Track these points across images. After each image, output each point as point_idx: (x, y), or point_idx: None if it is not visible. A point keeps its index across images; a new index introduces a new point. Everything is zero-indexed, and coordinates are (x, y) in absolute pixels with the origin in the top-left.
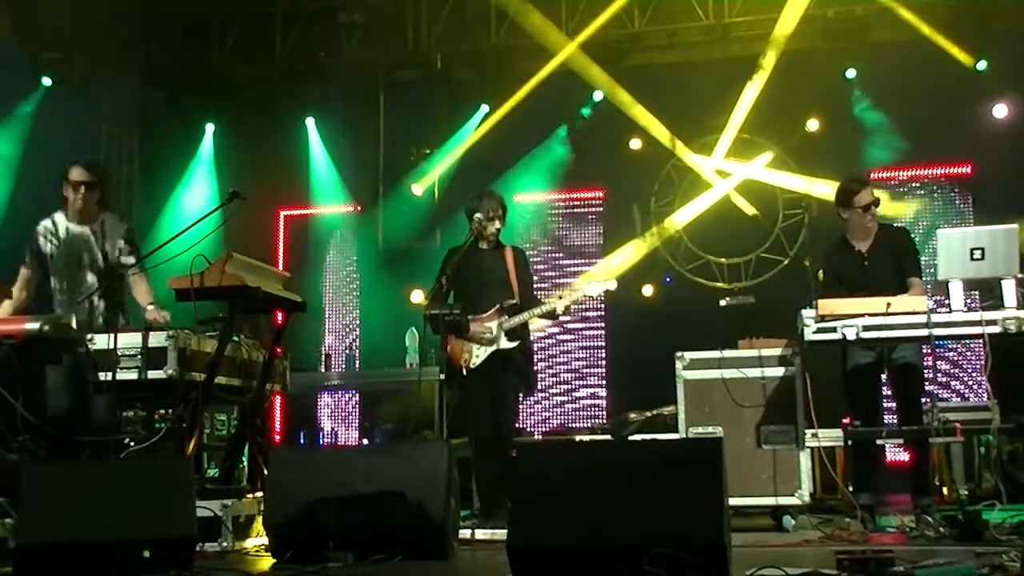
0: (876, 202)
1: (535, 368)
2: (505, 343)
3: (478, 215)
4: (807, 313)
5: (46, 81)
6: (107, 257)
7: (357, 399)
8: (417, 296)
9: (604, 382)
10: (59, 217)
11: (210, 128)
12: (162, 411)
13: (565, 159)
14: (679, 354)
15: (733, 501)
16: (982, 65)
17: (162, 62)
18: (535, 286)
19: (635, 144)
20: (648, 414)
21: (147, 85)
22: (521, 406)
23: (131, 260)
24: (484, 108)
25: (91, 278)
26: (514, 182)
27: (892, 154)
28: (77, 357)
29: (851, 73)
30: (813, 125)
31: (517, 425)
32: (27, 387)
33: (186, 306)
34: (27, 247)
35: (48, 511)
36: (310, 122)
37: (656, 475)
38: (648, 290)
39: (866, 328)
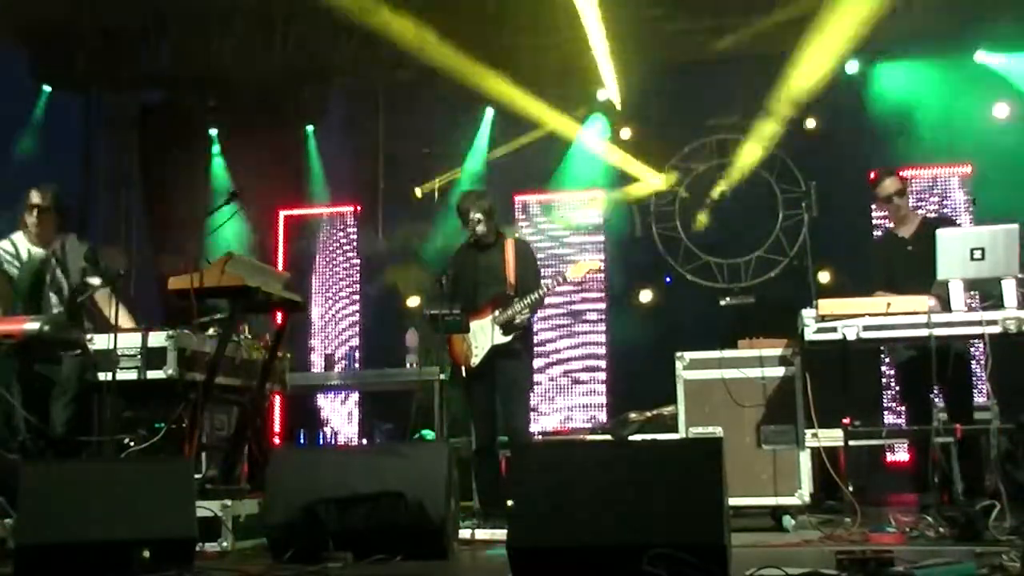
0: (900, 192)
1: (532, 362)
2: (500, 338)
3: (465, 215)
4: (807, 313)
5: (46, 88)
6: (69, 279)
7: (357, 399)
8: (414, 300)
9: (604, 382)
10: (18, 238)
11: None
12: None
13: (565, 159)
14: (679, 354)
15: (733, 501)
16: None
17: (162, 62)
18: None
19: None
20: (648, 414)
21: (147, 85)
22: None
23: (97, 281)
24: (486, 108)
25: (54, 299)
26: (514, 181)
27: (892, 153)
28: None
29: (851, 68)
30: (812, 125)
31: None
32: (27, 387)
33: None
34: None
35: (48, 511)
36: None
37: (656, 475)
38: (647, 295)
39: (866, 328)
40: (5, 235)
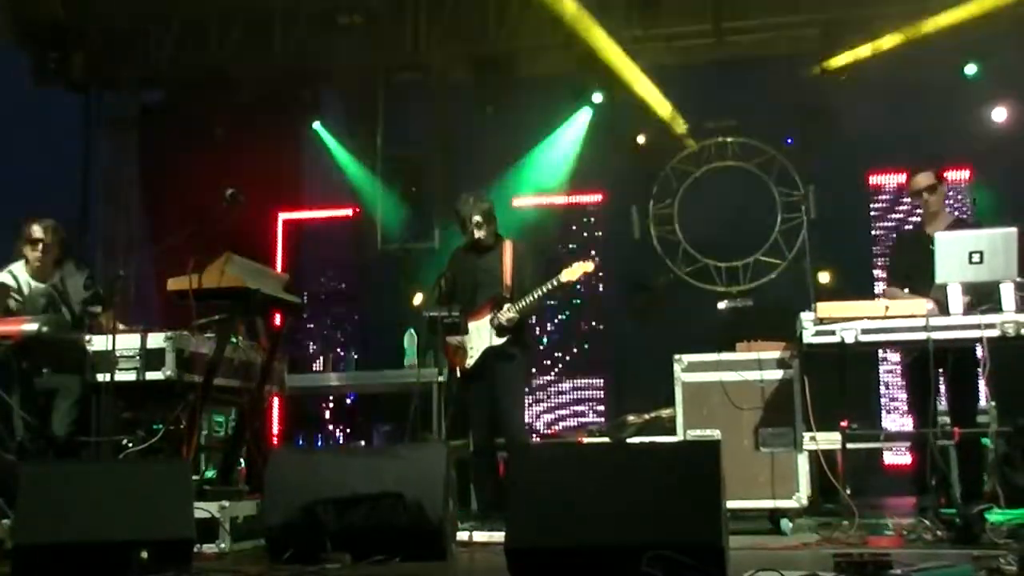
0: (931, 188)
1: (531, 363)
2: (495, 339)
3: (464, 219)
4: (806, 316)
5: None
6: (72, 310)
7: (356, 400)
8: (418, 298)
9: (603, 384)
10: (18, 271)
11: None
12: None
13: (565, 161)
14: (677, 357)
15: (731, 504)
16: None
17: (162, 62)
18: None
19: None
20: (647, 416)
21: (147, 85)
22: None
23: (97, 309)
24: (487, 107)
25: None
26: (513, 184)
27: (890, 156)
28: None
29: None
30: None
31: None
32: (29, 388)
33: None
34: None
35: (47, 511)
36: (316, 125)
37: (654, 477)
38: (647, 296)
39: (865, 331)
40: (3, 263)
